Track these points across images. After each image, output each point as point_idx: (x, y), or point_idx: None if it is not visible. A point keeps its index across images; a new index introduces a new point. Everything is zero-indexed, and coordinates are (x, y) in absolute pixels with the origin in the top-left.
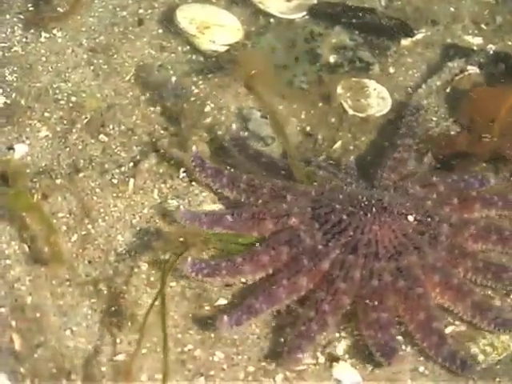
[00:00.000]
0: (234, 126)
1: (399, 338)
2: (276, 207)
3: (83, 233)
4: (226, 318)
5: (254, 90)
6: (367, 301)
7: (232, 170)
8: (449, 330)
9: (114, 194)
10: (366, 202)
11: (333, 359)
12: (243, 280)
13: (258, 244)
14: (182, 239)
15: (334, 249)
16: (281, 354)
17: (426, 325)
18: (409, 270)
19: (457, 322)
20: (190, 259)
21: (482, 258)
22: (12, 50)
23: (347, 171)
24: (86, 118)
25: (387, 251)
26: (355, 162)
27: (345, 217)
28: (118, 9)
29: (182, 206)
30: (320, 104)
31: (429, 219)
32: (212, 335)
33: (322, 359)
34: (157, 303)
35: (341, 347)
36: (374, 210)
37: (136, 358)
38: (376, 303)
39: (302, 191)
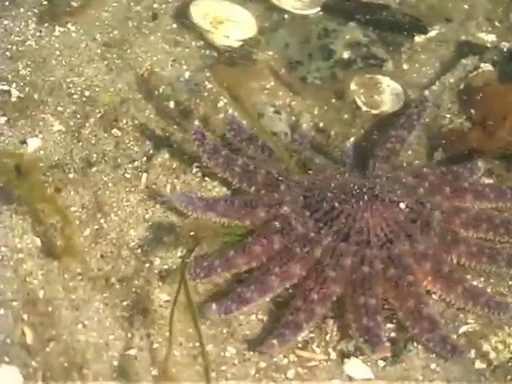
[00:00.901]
0: (230, 111)
1: (409, 335)
2: (268, 196)
3: (96, 227)
4: (214, 306)
5: (237, 97)
6: (356, 286)
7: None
8: (463, 329)
9: (127, 189)
10: (358, 190)
11: (344, 355)
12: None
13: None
14: (192, 233)
15: (326, 236)
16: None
17: (415, 311)
18: (400, 259)
19: (470, 321)
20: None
21: (475, 242)
22: (26, 44)
23: (343, 159)
24: (100, 112)
25: (379, 239)
26: (363, 156)
27: (337, 204)
28: (132, 3)
29: (178, 188)
30: (333, 100)
31: (421, 206)
32: (224, 330)
33: (333, 355)
34: (170, 298)
35: (352, 344)
36: (365, 197)
37: (170, 357)
38: (365, 288)
39: (296, 180)
